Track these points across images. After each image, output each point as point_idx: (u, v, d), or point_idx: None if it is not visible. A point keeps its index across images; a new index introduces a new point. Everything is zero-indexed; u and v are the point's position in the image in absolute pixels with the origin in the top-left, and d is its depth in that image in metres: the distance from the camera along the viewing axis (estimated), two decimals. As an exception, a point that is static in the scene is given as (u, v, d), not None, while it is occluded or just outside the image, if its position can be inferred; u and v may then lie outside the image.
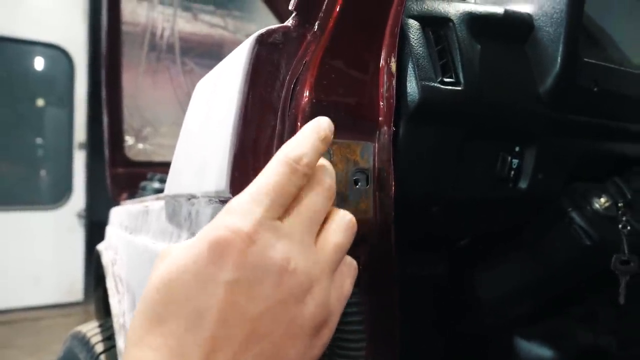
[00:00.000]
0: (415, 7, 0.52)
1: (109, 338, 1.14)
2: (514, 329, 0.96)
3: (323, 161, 0.38)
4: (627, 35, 0.77)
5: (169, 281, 0.30)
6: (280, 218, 0.32)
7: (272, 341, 0.29)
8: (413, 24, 0.51)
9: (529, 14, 0.60)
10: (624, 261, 0.67)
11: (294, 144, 0.35)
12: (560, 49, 0.57)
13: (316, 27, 0.47)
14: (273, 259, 0.30)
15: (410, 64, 0.50)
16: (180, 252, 0.31)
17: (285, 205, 0.33)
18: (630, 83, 0.66)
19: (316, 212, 0.34)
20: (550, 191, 0.65)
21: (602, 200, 0.69)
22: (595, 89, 0.61)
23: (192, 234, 0.57)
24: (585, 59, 0.60)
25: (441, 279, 0.88)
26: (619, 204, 0.68)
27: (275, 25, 0.47)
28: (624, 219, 0.68)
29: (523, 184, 0.62)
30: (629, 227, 0.67)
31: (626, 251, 0.67)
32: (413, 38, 0.50)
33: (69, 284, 4.01)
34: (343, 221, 0.36)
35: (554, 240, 0.70)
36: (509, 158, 0.60)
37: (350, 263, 0.37)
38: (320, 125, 0.37)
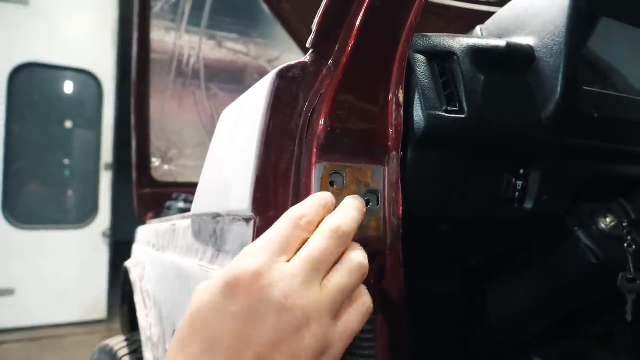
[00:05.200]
0: (421, 43, 0.57)
1: (134, 351, 1.18)
2: (530, 349, 0.97)
3: (348, 216, 0.43)
4: (631, 64, 0.80)
5: (193, 313, 0.36)
6: (288, 261, 0.38)
7: None
8: (420, 58, 0.56)
9: (530, 46, 0.64)
10: (630, 279, 0.69)
11: (300, 206, 0.43)
12: (560, 78, 0.61)
13: (331, 62, 0.52)
14: (274, 295, 0.35)
15: (417, 94, 0.54)
16: (204, 287, 0.37)
17: (289, 251, 0.39)
18: (632, 109, 0.69)
19: (320, 255, 0.39)
20: (555, 212, 0.68)
21: (608, 220, 0.71)
22: (596, 115, 0.64)
23: (218, 251, 0.62)
24: (585, 87, 0.63)
25: (456, 297, 0.91)
26: (624, 224, 0.71)
27: (294, 60, 0.52)
28: (629, 238, 0.70)
29: (528, 205, 0.65)
30: (634, 246, 0.70)
31: (632, 269, 0.69)
32: (419, 71, 0.55)
33: (94, 302, 4.10)
34: (350, 263, 0.41)
35: (561, 259, 0.73)
36: (514, 180, 0.63)
37: (362, 303, 0.40)
38: (323, 196, 0.45)
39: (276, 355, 0.33)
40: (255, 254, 0.38)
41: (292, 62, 0.52)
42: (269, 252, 0.38)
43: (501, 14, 0.73)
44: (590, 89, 0.64)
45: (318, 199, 0.44)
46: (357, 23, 0.50)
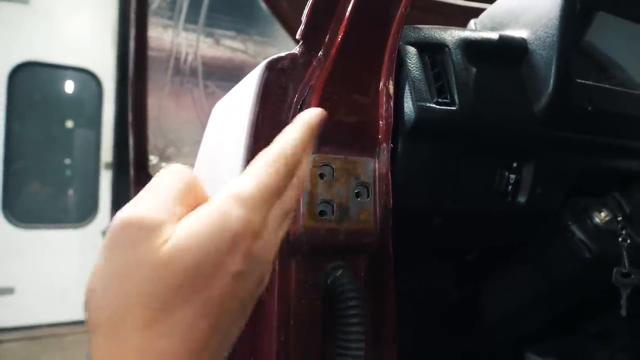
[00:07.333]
0: (412, 34, 0.57)
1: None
2: (526, 346, 0.96)
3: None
4: (630, 57, 0.80)
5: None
6: None
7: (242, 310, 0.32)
8: (411, 50, 0.56)
9: (523, 39, 0.63)
10: (624, 274, 0.68)
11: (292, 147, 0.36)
12: (553, 70, 0.60)
13: (321, 54, 0.51)
14: (267, 255, 0.33)
15: (407, 86, 0.54)
16: (195, 237, 0.30)
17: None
18: (627, 102, 0.68)
19: (291, 209, 0.36)
20: (549, 206, 0.68)
21: (603, 214, 0.71)
22: (590, 108, 0.63)
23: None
24: (579, 80, 0.63)
25: (450, 293, 0.90)
26: (619, 218, 0.70)
27: (283, 52, 0.52)
28: (623, 232, 0.69)
29: (522, 199, 0.65)
30: (629, 241, 0.69)
31: (626, 264, 0.68)
32: (410, 63, 0.55)
33: (93, 300, 4.10)
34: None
35: (555, 254, 0.72)
36: (507, 173, 0.63)
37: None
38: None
39: (246, 305, 0.33)
40: (256, 209, 0.33)
41: (281, 54, 0.51)
42: (268, 207, 0.33)
43: (495, 7, 0.73)
44: (584, 81, 0.64)
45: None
46: (347, 14, 0.50)
